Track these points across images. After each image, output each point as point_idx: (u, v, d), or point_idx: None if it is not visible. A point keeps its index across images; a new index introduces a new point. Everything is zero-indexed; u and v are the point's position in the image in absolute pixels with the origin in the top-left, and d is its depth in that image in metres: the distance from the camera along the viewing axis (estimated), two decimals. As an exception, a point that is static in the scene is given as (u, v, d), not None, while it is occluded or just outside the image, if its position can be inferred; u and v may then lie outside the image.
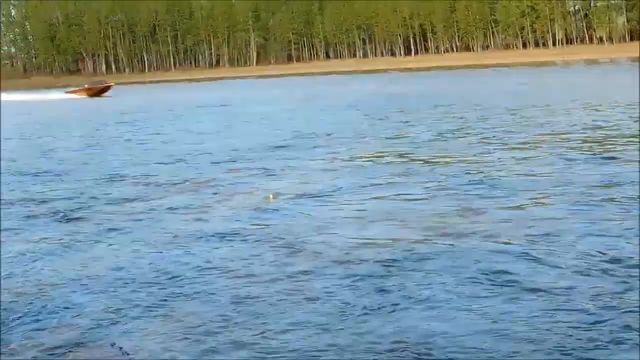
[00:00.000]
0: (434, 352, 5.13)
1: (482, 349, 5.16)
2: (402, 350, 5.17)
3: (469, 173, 12.67)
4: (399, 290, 6.40)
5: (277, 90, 66.95)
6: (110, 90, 67.58)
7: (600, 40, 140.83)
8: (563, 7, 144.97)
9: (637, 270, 6.64)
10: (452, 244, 7.78)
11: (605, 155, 14.28)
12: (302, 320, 5.83)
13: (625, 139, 16.34)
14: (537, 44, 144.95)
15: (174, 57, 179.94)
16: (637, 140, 15.87)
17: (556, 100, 31.26)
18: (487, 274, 6.71)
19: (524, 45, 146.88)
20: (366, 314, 5.89)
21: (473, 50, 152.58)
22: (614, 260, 6.98)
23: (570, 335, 5.28)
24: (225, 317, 5.99)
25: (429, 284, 6.52)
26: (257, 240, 8.46)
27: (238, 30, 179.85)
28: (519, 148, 16.16)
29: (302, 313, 6.00)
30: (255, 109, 37.67)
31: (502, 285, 6.43)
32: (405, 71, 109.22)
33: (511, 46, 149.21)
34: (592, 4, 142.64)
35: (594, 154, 14.46)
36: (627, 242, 7.58)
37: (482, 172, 12.65)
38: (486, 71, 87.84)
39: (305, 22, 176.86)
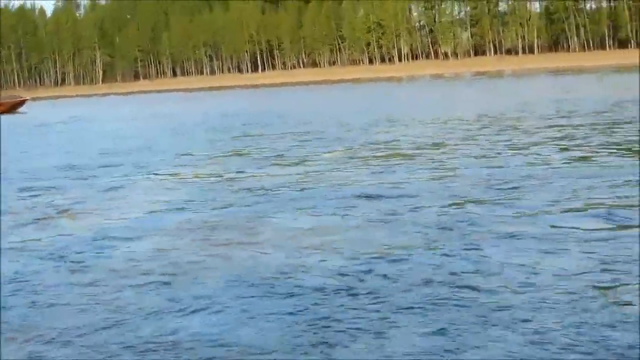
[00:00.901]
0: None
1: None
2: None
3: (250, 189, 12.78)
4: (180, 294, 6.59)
5: (111, 109, 66.52)
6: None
7: (446, 55, 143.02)
8: (409, 23, 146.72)
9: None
10: (229, 256, 7.93)
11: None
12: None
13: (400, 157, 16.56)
14: (383, 60, 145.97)
15: (18, 76, 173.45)
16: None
17: (373, 115, 31.51)
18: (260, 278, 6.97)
19: (371, 61, 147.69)
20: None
21: (320, 66, 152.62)
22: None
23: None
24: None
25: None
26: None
27: (84, 48, 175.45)
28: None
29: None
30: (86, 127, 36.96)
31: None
32: (252, 87, 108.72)
33: (358, 62, 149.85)
34: (436, 20, 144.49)
35: (368, 166, 14.95)
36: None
37: (265, 189, 12.71)
38: (332, 87, 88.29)
39: (151, 38, 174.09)
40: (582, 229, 8.33)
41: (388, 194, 11.36)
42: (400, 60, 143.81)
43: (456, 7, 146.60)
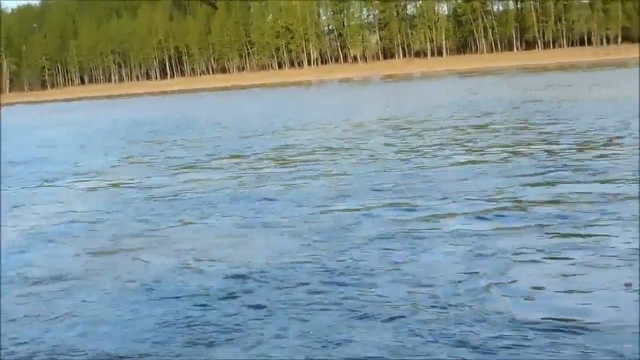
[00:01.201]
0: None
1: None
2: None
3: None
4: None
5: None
6: None
7: (355, 59, 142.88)
8: (317, 27, 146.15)
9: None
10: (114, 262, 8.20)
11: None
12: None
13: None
14: (292, 64, 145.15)
15: None
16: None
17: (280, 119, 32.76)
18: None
19: (280, 66, 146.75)
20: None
21: (229, 72, 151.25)
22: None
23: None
24: None
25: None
26: None
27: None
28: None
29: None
30: None
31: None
32: (160, 94, 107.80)
33: (267, 67, 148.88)
34: (345, 24, 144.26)
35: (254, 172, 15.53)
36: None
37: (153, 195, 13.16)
38: (241, 92, 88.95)
39: (59, 46, 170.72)
40: (458, 228, 8.92)
41: (275, 198, 11.91)
42: (309, 64, 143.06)
43: (364, 11, 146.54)
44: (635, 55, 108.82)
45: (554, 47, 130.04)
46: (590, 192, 10.81)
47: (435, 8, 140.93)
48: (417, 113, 31.32)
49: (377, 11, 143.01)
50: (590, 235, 8.36)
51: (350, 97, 56.13)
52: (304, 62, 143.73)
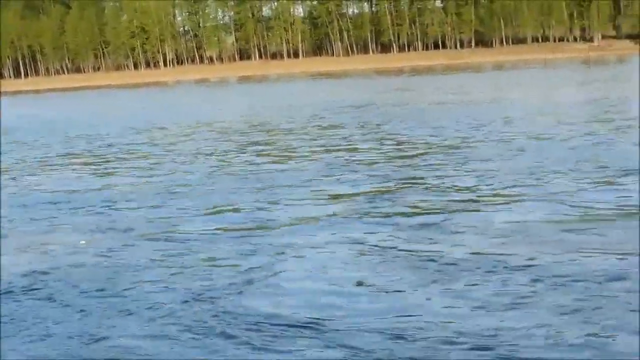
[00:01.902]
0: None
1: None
2: None
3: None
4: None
5: None
6: None
7: (211, 60, 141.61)
8: (173, 27, 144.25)
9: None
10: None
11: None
12: None
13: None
14: (148, 65, 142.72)
15: None
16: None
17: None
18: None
19: (136, 66, 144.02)
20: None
21: (84, 72, 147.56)
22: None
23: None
24: None
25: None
26: None
27: None
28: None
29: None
30: None
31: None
32: (12, 95, 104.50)
33: (123, 67, 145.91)
34: (201, 25, 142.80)
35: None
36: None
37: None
38: (95, 92, 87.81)
39: None
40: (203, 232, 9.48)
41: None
42: (165, 65, 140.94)
43: (220, 12, 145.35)
44: (489, 59, 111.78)
45: (409, 50, 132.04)
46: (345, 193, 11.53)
47: (291, 10, 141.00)
48: (248, 115, 31.04)
49: (232, 12, 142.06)
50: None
51: (198, 98, 55.47)
52: (159, 63, 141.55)
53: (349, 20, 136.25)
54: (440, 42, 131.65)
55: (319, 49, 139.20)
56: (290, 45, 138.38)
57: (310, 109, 33.18)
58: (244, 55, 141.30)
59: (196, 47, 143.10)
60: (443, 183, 12.15)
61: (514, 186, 11.49)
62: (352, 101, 36.35)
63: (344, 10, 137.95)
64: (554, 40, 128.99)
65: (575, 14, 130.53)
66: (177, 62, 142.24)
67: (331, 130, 22.39)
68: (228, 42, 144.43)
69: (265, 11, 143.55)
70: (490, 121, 21.97)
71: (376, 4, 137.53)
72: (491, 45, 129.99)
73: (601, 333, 5.60)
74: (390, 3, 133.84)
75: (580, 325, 5.77)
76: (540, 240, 8.15)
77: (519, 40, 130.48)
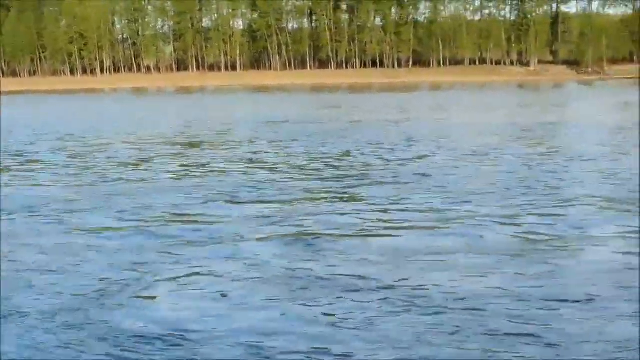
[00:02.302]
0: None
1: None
2: None
3: None
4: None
5: None
6: None
7: (149, 69, 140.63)
8: (112, 35, 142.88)
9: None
10: None
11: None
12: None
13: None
14: (85, 71, 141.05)
15: None
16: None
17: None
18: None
19: (72, 72, 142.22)
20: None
21: (20, 76, 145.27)
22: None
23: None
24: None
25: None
26: None
27: None
28: None
29: None
30: None
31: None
32: None
33: (59, 73, 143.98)
34: (140, 33, 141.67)
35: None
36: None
37: None
38: (31, 97, 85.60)
39: None
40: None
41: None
42: (102, 72, 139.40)
43: (160, 21, 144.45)
44: (426, 79, 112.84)
45: (346, 67, 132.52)
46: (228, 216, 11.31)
47: (231, 22, 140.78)
48: (170, 128, 30.93)
49: (172, 22, 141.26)
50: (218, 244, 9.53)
51: (132, 108, 55.04)
52: (97, 70, 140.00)
53: (288, 35, 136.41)
54: (378, 61, 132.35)
55: (257, 62, 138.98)
56: (229, 57, 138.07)
57: (231, 123, 33.25)
58: (181, 65, 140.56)
59: (134, 56, 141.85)
60: (327, 203, 12.36)
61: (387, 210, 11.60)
62: (277, 117, 36.49)
63: (284, 25, 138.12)
64: (492, 63, 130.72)
65: (513, 38, 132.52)
66: (115, 70, 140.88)
67: (238, 144, 22.40)
68: (166, 52, 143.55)
69: (205, 22, 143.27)
70: (396, 143, 22.21)
71: (316, 20, 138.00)
72: (429, 66, 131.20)
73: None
74: (330, 19, 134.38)
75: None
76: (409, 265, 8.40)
77: (457, 62, 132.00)
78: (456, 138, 23.63)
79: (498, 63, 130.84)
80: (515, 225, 10.37)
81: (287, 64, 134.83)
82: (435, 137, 23.99)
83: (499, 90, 75.21)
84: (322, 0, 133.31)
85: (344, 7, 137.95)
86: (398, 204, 12.11)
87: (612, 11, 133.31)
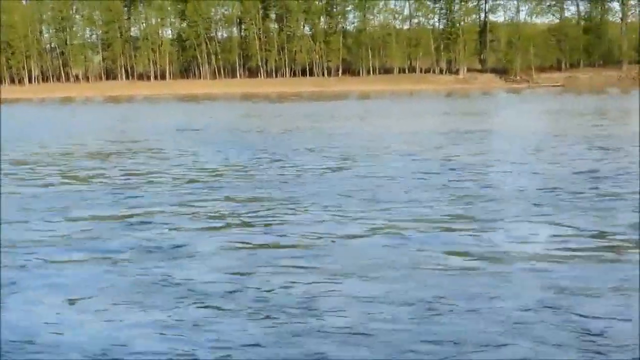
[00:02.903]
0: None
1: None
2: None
3: None
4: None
5: None
6: None
7: (77, 78, 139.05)
8: (39, 44, 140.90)
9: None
10: None
11: None
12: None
13: None
14: (13, 81, 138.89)
15: None
16: None
17: None
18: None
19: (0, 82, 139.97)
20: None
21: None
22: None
23: None
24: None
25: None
26: None
27: None
28: None
29: None
30: None
31: None
32: None
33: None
34: (68, 42, 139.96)
35: None
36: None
37: None
38: None
39: None
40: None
41: None
42: (30, 82, 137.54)
43: (88, 30, 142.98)
44: (355, 87, 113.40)
45: (276, 75, 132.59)
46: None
47: (160, 31, 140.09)
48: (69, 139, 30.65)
49: (100, 31, 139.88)
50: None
51: (55, 118, 54.50)
52: (24, 79, 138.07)
53: (217, 44, 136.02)
54: (308, 69, 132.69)
55: (186, 71, 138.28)
56: (158, 66, 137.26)
57: (146, 131, 33.26)
58: (110, 74, 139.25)
59: (62, 65, 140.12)
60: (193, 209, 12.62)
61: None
62: (194, 125, 36.62)
63: (213, 34, 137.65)
64: (421, 72, 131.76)
65: (442, 47, 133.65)
66: (43, 79, 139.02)
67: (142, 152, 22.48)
68: (95, 61, 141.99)
69: (134, 31, 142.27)
70: (294, 149, 22.55)
71: (245, 29, 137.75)
72: (358, 74, 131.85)
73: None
74: (259, 28, 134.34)
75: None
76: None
77: (386, 71, 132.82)
78: (346, 144, 23.99)
79: (427, 71, 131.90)
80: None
81: (217, 73, 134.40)
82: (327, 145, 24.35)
83: (428, 98, 76.06)
84: (251, 9, 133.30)
85: (273, 16, 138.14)
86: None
87: (539, 20, 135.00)
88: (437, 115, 44.22)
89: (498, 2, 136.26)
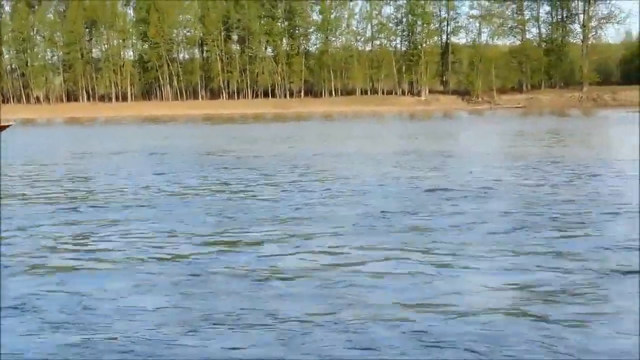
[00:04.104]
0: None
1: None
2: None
3: None
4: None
5: None
6: None
7: (38, 99, 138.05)
8: (0, 66, 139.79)
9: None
10: None
11: None
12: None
13: None
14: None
15: None
16: None
17: None
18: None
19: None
20: None
21: None
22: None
23: None
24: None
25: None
26: None
27: None
28: None
29: None
30: None
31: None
32: None
33: None
34: (28, 64, 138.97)
35: None
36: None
37: None
38: None
39: None
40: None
41: None
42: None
43: (49, 52, 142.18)
44: (317, 109, 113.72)
45: (238, 97, 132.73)
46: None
47: (121, 53, 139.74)
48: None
49: (61, 52, 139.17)
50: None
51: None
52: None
53: (179, 65, 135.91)
54: (270, 91, 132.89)
55: (148, 92, 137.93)
56: (120, 88, 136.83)
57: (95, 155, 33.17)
58: (72, 96, 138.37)
59: (23, 86, 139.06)
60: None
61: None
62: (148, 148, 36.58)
63: (175, 55, 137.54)
64: (383, 93, 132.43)
65: (404, 69, 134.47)
66: (3, 101, 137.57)
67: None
68: (56, 83, 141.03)
69: (95, 53, 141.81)
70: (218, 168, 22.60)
71: (207, 50, 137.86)
72: (320, 96, 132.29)
73: None
74: (221, 50, 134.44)
75: None
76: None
77: (348, 92, 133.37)
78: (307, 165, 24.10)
79: (389, 93, 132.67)
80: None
81: (179, 95, 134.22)
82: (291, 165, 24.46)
83: (389, 119, 76.41)
84: (213, 30, 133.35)
85: (235, 37, 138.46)
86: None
87: (500, 42, 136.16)
88: (403, 137, 44.52)
89: (460, 24, 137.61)
